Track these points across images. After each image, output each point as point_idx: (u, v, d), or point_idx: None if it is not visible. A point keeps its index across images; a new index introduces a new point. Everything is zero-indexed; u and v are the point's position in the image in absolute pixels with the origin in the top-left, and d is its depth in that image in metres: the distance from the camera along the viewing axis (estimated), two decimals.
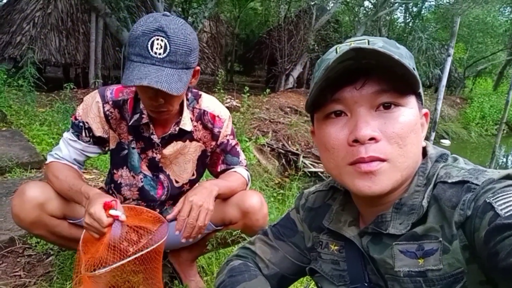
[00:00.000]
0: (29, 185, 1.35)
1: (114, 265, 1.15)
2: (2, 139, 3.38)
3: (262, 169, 5.00)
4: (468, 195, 0.62)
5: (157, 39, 1.12)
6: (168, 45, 1.13)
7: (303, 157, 5.83)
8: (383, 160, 0.65)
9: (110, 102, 1.36)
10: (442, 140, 11.15)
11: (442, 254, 0.63)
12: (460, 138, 11.64)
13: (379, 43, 0.67)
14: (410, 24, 12.67)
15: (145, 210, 1.35)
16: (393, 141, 0.65)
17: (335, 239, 0.83)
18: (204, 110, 1.44)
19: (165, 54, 1.13)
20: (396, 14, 14.73)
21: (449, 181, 0.66)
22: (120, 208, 1.20)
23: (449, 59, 6.99)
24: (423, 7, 12.87)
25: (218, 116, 1.46)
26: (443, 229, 0.64)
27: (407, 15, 14.28)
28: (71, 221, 1.44)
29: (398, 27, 13.74)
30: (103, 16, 7.40)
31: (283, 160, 5.83)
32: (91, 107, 1.37)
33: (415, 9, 12.97)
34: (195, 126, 1.44)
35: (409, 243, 0.67)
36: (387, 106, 0.66)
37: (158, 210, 1.49)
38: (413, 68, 0.66)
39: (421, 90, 0.69)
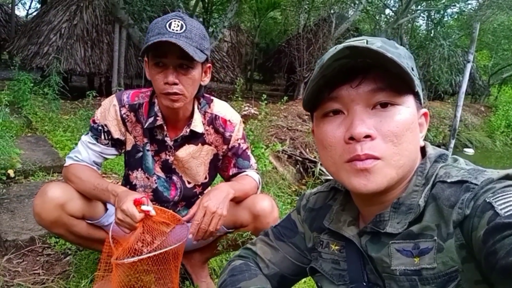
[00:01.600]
0: (51, 185, 1.41)
1: (142, 256, 1.24)
2: (27, 144, 3.53)
3: (279, 176, 5.00)
4: (467, 195, 0.62)
5: (175, 21, 1.24)
6: (184, 25, 1.24)
7: (321, 164, 5.81)
8: (377, 158, 0.66)
9: (127, 106, 1.42)
10: (465, 149, 10.88)
11: (436, 253, 0.63)
12: (485, 147, 11.33)
13: (377, 43, 0.68)
14: (433, 32, 12.51)
15: (166, 210, 1.40)
16: (388, 139, 0.66)
17: (336, 239, 0.84)
18: (216, 115, 1.48)
19: (182, 31, 1.23)
20: (418, 22, 14.59)
21: (448, 180, 0.66)
22: (150, 204, 1.27)
23: (469, 66, 6.86)
24: (446, 14, 12.70)
25: (229, 120, 1.49)
26: (439, 228, 0.64)
27: (429, 22, 14.11)
28: (89, 222, 1.49)
29: (419, 34, 13.55)
30: (126, 27, 7.61)
31: (300, 167, 5.81)
32: (109, 111, 1.43)
33: (437, 16, 12.81)
34: (207, 130, 1.48)
35: (406, 242, 0.68)
36: (383, 105, 0.67)
37: (171, 210, 1.53)
38: (412, 68, 0.67)
39: (418, 89, 0.70)
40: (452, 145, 7.28)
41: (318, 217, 0.90)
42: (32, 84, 5.08)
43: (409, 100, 0.69)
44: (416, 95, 0.70)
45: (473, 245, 0.59)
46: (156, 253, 1.30)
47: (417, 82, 0.69)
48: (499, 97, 16.85)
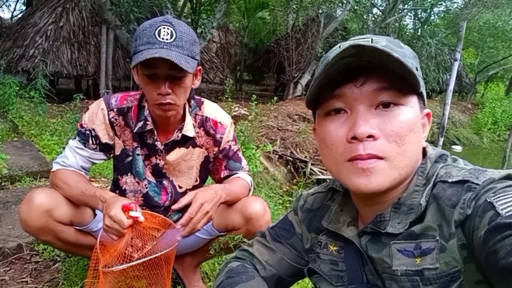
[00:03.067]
0: (37, 191, 1.38)
1: (132, 263, 1.21)
2: (13, 149, 3.46)
3: (270, 177, 5.00)
4: (468, 194, 0.62)
5: (164, 28, 1.19)
6: (174, 32, 1.20)
7: (312, 164, 5.82)
8: (380, 158, 0.65)
9: (115, 110, 1.39)
10: (453, 146, 11.01)
11: (439, 253, 0.63)
12: (472, 144, 11.49)
13: (382, 42, 0.67)
14: (419, 31, 12.63)
15: (157, 215, 1.38)
16: (392, 140, 0.65)
17: (334, 240, 0.83)
18: (206, 117, 1.47)
19: (172, 39, 1.19)
20: (405, 21, 14.73)
21: (449, 180, 0.66)
22: (139, 210, 1.24)
23: (456, 64, 6.94)
24: (432, 12, 12.83)
25: (220, 122, 1.48)
26: (441, 228, 0.64)
27: (416, 21, 14.25)
28: (77, 228, 1.46)
29: (407, 33, 13.68)
30: (113, 28, 7.54)
31: (291, 167, 5.82)
32: (97, 114, 1.40)
33: (424, 15, 12.94)
34: (197, 132, 1.46)
35: (407, 242, 0.67)
36: (386, 105, 0.66)
37: (162, 215, 1.51)
38: (416, 68, 0.67)
39: (423, 90, 0.69)
40: (440, 143, 7.35)
41: (316, 218, 0.90)
42: (18, 88, 4.99)
43: (413, 100, 0.68)
44: (419, 96, 0.70)
45: (474, 245, 0.59)
46: (146, 259, 1.27)
47: (421, 82, 0.68)
48: (486, 94, 17.14)
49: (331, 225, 0.84)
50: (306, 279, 1.21)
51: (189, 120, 1.43)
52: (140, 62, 1.16)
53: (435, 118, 11.11)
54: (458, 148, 10.97)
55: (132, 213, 1.21)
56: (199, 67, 1.35)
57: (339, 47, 0.69)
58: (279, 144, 6.12)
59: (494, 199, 0.58)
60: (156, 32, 1.19)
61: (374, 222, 0.72)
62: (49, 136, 4.13)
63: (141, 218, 1.23)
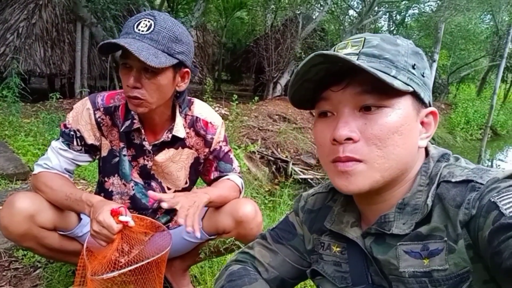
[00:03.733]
0: (18, 196, 1.31)
1: (124, 270, 1.17)
2: None
3: (252, 177, 4.98)
4: (472, 194, 0.62)
5: (145, 20, 1.17)
6: (153, 25, 1.16)
7: (293, 164, 5.84)
8: (359, 161, 0.66)
9: (102, 109, 1.34)
10: None
11: (448, 254, 0.63)
12: (446, 143, 11.79)
13: (374, 41, 0.68)
14: (394, 32, 12.89)
15: (145, 218, 1.33)
16: (371, 143, 0.66)
17: (337, 241, 0.83)
18: (197, 117, 1.43)
19: (147, 32, 1.15)
20: (380, 23, 15.02)
21: (453, 180, 0.66)
22: (128, 214, 1.19)
23: (434, 65, 7.12)
24: (407, 15, 13.14)
25: (210, 122, 1.44)
26: (448, 229, 0.64)
27: (391, 23, 14.54)
28: (62, 233, 1.40)
29: None
30: (89, 26, 7.34)
31: (273, 167, 5.83)
32: (82, 114, 1.34)
33: (398, 17, 13.23)
34: (187, 133, 1.42)
35: (414, 243, 0.67)
36: (367, 108, 0.67)
37: (150, 218, 1.46)
38: (413, 66, 0.67)
39: (418, 89, 0.68)
40: None
41: (318, 219, 0.89)
42: None
43: (401, 102, 0.67)
44: (416, 96, 0.69)
45: (479, 245, 0.59)
46: (139, 265, 1.23)
47: (418, 81, 0.68)
48: (458, 95, 17.63)
49: (334, 226, 0.83)
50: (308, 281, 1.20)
51: (179, 120, 1.39)
52: (99, 48, 1.14)
53: None
54: None
55: (121, 218, 1.17)
56: (186, 70, 1.29)
57: (334, 48, 0.73)
58: (260, 144, 6.11)
59: (497, 199, 0.58)
60: (136, 23, 1.16)
61: (378, 223, 0.72)
62: (24, 137, 3.97)
63: (131, 223, 1.19)
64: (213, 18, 15.04)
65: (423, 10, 11.98)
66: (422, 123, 0.71)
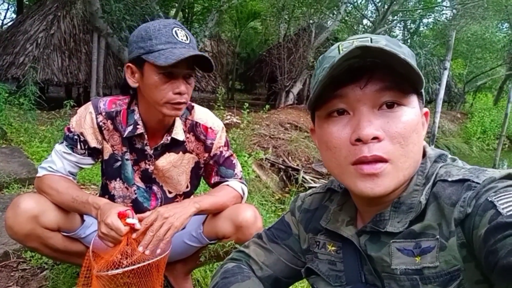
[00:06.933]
0: (23, 197, 1.35)
1: (127, 268, 1.20)
2: (1, 156, 3.40)
3: (262, 185, 4.98)
4: (468, 193, 0.61)
5: (178, 29, 1.24)
6: (186, 34, 1.25)
7: (304, 172, 5.82)
8: (385, 161, 0.64)
9: (103, 113, 1.37)
10: None
11: (439, 252, 0.63)
12: (462, 153, 11.59)
13: (382, 41, 0.66)
14: (409, 41, 12.82)
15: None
16: (396, 141, 0.65)
17: (333, 240, 0.83)
18: (196, 122, 1.45)
19: (188, 41, 1.24)
20: (395, 32, 14.95)
21: (449, 179, 0.66)
22: (135, 216, 1.23)
23: (446, 73, 7.04)
24: (421, 24, 13.05)
25: (210, 127, 1.46)
26: (441, 227, 0.64)
27: (406, 32, 14.46)
28: (65, 234, 1.43)
29: None
30: (105, 36, 7.52)
31: (284, 175, 5.81)
32: (85, 118, 1.37)
33: (413, 26, 13.15)
34: (187, 137, 1.44)
35: (407, 241, 0.67)
36: (390, 105, 0.65)
37: None
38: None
39: (422, 89, 0.69)
40: None
41: (314, 218, 0.89)
42: (7, 94, 4.94)
43: (414, 100, 0.68)
44: (419, 95, 0.70)
45: (473, 244, 0.59)
46: (140, 265, 1.25)
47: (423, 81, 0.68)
48: (474, 104, 17.39)
49: (329, 224, 0.83)
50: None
51: (178, 123, 1.42)
52: (177, 61, 1.16)
53: None
54: None
55: (129, 220, 1.21)
56: None
57: (339, 47, 0.69)
58: (271, 152, 6.11)
59: (495, 198, 0.57)
60: (173, 32, 1.22)
61: (373, 221, 0.72)
62: (38, 143, 4.08)
63: (138, 225, 1.22)
64: (227, 28, 15.24)
65: (438, 19, 11.87)
66: None
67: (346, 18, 11.87)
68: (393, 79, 0.64)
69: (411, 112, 0.66)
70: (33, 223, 1.31)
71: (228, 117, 6.52)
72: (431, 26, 14.05)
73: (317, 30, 11.18)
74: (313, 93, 0.68)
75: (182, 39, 1.22)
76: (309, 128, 0.83)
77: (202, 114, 1.47)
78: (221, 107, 6.06)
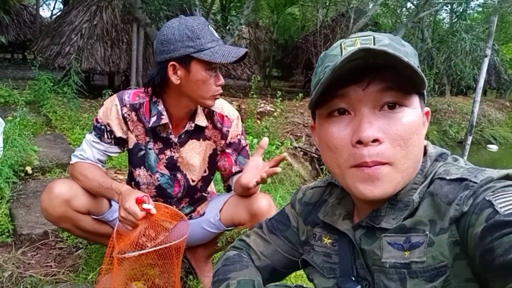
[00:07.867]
0: (57, 182, 1.48)
1: (143, 251, 1.30)
2: (46, 142, 3.65)
3: (294, 173, 5.00)
4: (465, 192, 0.62)
5: (211, 27, 1.37)
6: (214, 30, 1.38)
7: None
8: (385, 164, 0.65)
9: (128, 105, 1.46)
10: (489, 145, 10.57)
11: (427, 247, 0.64)
12: (509, 143, 10.98)
13: (385, 40, 0.67)
14: (455, 25, 12.13)
15: (169, 207, 1.45)
16: (396, 143, 0.65)
17: (329, 232, 0.84)
18: (213, 111, 1.51)
19: (220, 37, 1.37)
20: (441, 15, 14.19)
21: (447, 178, 0.66)
22: (151, 202, 1.32)
23: (486, 60, 6.61)
24: (468, 6, 12.30)
25: (226, 116, 1.52)
26: (433, 224, 0.64)
27: (453, 15, 13.69)
28: (94, 217, 1.55)
29: (443, 28, 13.18)
30: (143, 26, 7.70)
31: (316, 164, 5.79)
32: (111, 110, 1.47)
33: (460, 9, 12.40)
34: (206, 125, 1.52)
35: (397, 236, 0.68)
36: (391, 106, 0.65)
37: (175, 206, 1.57)
38: (418, 67, 0.65)
39: (425, 90, 0.69)
40: (469, 142, 6.99)
41: (313, 211, 0.91)
42: (52, 83, 5.23)
43: (415, 101, 0.67)
44: (421, 95, 0.69)
45: (467, 242, 0.59)
46: (157, 248, 1.35)
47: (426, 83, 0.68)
48: None
49: (327, 217, 0.85)
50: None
51: (200, 111, 1.49)
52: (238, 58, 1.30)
53: (469, 116, 10.69)
54: (493, 148, 10.52)
55: (145, 206, 1.30)
56: None
57: (341, 45, 0.69)
58: (304, 140, 6.10)
59: (492, 198, 0.57)
60: (212, 30, 1.34)
61: (369, 217, 0.73)
62: (80, 130, 4.32)
63: (153, 211, 1.31)
64: (265, 14, 15.13)
65: (487, 1, 11.15)
66: None
67: (388, 1, 11.42)
68: (395, 79, 0.64)
69: (412, 113, 0.66)
70: (65, 206, 1.44)
71: (262, 105, 6.55)
72: (480, 9, 13.21)
73: (356, 15, 10.86)
74: (315, 93, 0.68)
75: (218, 37, 1.34)
76: (310, 125, 0.84)
77: (218, 102, 1.52)
78: (254, 95, 6.10)
